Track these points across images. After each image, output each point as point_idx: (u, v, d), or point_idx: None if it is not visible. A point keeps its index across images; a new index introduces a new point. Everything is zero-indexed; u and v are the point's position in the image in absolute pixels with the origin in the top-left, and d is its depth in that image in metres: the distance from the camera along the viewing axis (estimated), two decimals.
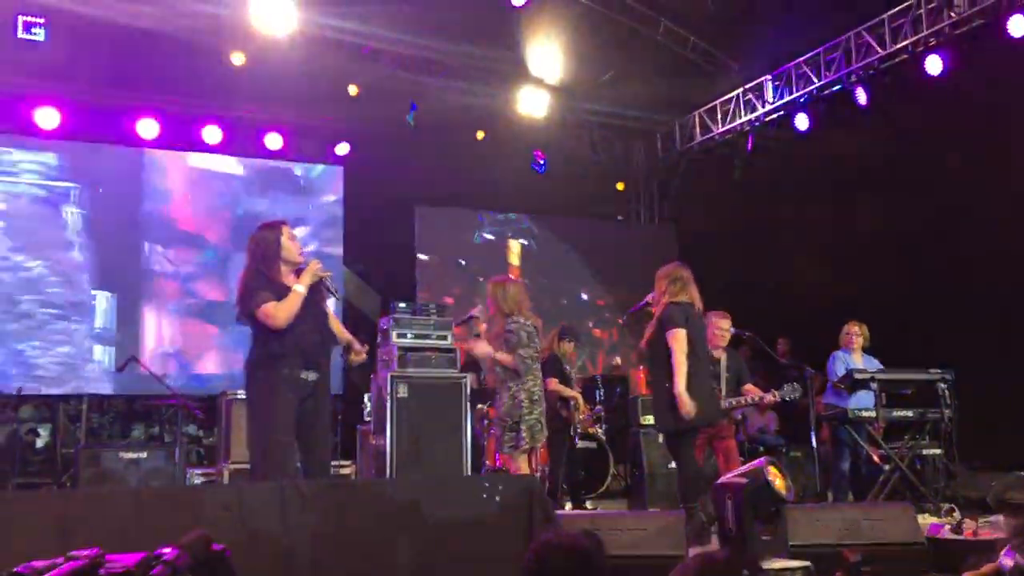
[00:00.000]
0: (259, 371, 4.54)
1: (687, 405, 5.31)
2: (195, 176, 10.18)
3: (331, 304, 4.94)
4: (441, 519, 3.65)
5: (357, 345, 4.91)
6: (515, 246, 11.44)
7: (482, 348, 6.14)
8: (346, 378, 9.21)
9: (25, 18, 8.31)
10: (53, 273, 9.37)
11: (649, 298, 5.98)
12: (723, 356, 6.75)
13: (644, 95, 10.53)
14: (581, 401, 7.84)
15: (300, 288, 4.55)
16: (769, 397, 6.69)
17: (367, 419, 7.73)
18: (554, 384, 7.51)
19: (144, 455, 7.23)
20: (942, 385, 6.89)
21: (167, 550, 2.17)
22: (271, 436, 4.43)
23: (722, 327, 6.71)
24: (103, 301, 9.54)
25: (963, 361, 7.32)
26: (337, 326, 4.96)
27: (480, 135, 10.73)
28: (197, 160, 10.22)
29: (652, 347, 5.73)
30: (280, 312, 4.47)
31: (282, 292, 4.56)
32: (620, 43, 9.73)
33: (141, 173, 9.90)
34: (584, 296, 11.67)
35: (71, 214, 9.58)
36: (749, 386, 6.75)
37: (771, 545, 4.05)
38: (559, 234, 11.62)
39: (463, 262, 10.98)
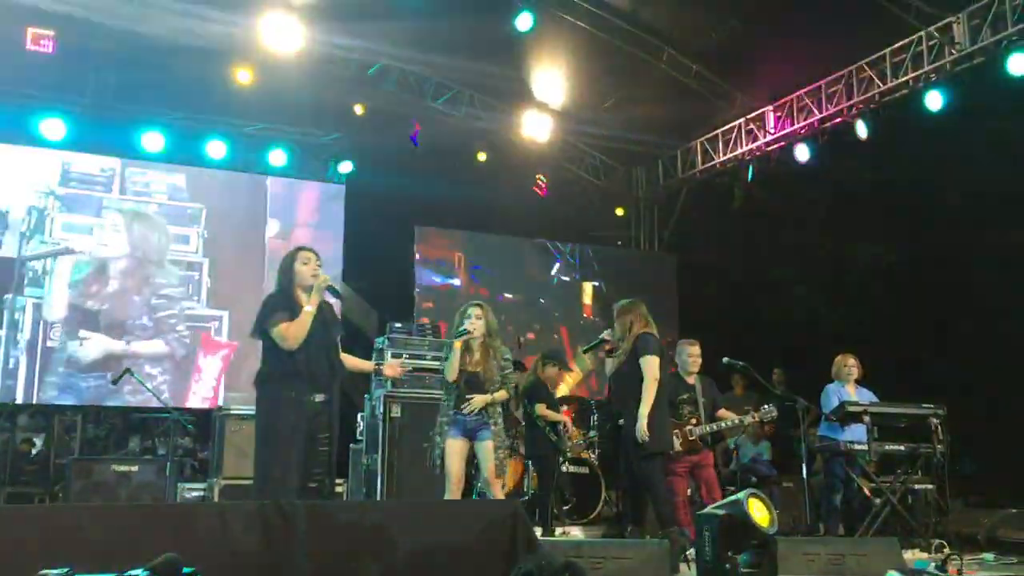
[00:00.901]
0: (268, 388, 4.72)
1: (644, 431, 5.69)
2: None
3: (336, 303, 5.18)
4: (423, 543, 3.65)
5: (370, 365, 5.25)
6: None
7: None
8: (340, 396, 9.21)
9: (34, 31, 8.39)
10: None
11: (606, 334, 6.28)
12: (696, 382, 6.80)
13: (647, 122, 10.59)
14: (570, 425, 7.84)
15: (309, 308, 4.75)
16: (748, 419, 6.77)
17: (360, 437, 7.74)
18: (542, 409, 7.51)
19: (135, 468, 7.24)
20: (935, 420, 6.87)
21: (137, 572, 2.18)
22: (273, 453, 4.57)
23: (693, 353, 6.80)
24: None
25: (959, 394, 7.33)
26: (351, 360, 5.19)
27: (482, 157, 10.79)
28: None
29: (622, 378, 6.02)
30: (291, 332, 4.67)
31: (292, 308, 4.76)
32: (624, 70, 9.79)
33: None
34: (580, 321, 11.69)
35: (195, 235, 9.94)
36: (723, 411, 6.81)
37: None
38: (558, 258, 11.65)
39: (457, 283, 11.02)
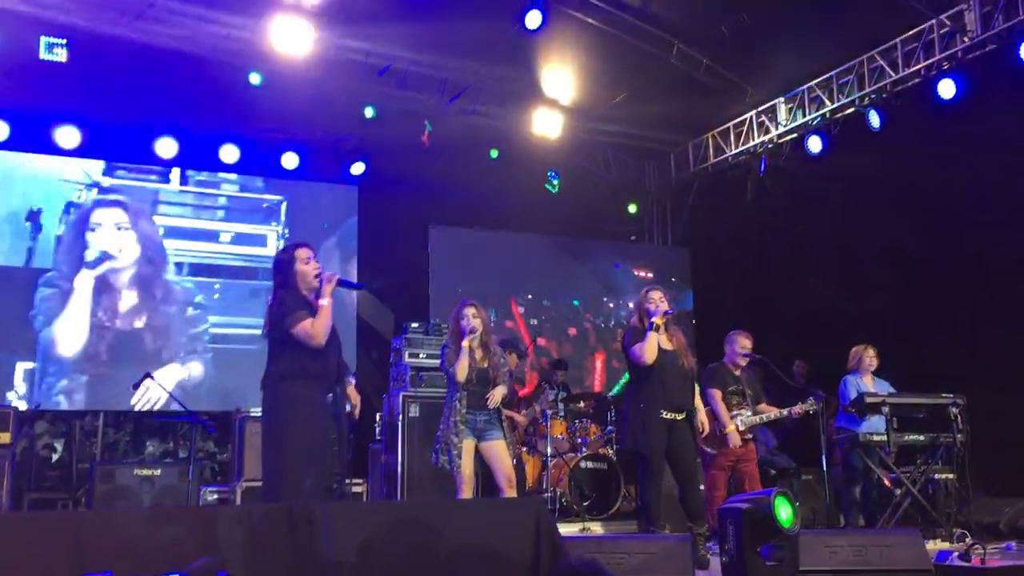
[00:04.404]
0: (283, 388, 4.59)
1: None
2: None
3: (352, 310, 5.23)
4: (448, 543, 3.68)
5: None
6: None
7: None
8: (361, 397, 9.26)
9: (47, 39, 8.45)
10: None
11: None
12: (740, 374, 6.83)
13: (657, 116, 10.57)
14: (517, 417, 7.99)
15: (325, 301, 4.66)
16: (797, 409, 6.77)
17: (379, 438, 7.79)
18: None
19: (158, 472, 7.30)
20: (954, 409, 6.87)
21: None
22: (291, 455, 4.48)
23: (745, 346, 6.81)
24: None
25: (978, 384, 7.31)
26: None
27: (494, 153, 10.80)
28: None
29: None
30: (318, 328, 4.59)
31: (310, 307, 4.67)
32: (634, 65, 9.78)
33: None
34: (595, 317, 11.70)
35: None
36: (763, 405, 6.83)
37: (779, 571, 4.07)
38: (572, 254, 11.65)
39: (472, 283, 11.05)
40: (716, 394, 6.67)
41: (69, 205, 9.48)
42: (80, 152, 9.50)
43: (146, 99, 9.24)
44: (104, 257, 9.46)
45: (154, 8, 8.26)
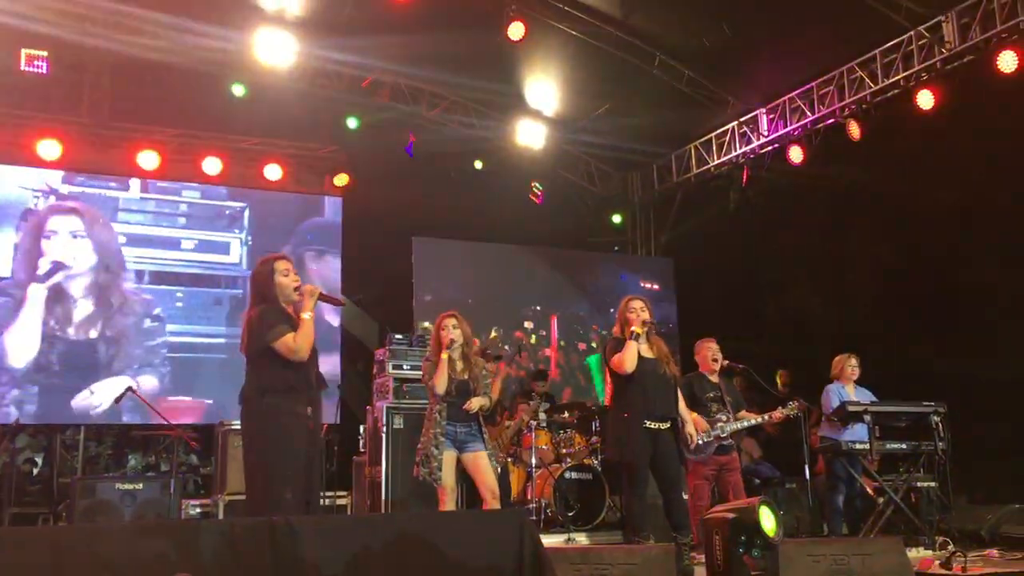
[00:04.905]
0: (265, 402, 4.54)
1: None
2: None
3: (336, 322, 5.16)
4: (432, 555, 3.66)
5: None
6: None
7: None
8: (342, 408, 9.23)
9: (28, 51, 8.42)
10: None
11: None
12: (718, 380, 6.84)
13: (640, 127, 10.62)
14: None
15: (307, 315, 4.62)
16: (777, 414, 6.78)
17: (363, 450, 7.76)
18: None
19: (140, 486, 7.24)
20: (935, 417, 6.91)
21: None
22: (277, 468, 4.45)
23: (712, 349, 6.83)
24: None
25: (958, 392, 7.35)
26: None
27: (479, 165, 10.82)
28: None
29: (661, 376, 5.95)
30: (301, 342, 4.55)
31: (296, 324, 4.62)
32: (616, 76, 9.83)
33: None
34: (580, 329, 11.70)
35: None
36: (744, 412, 6.84)
37: None
38: (556, 265, 11.66)
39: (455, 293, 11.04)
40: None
41: (26, 212, 9.34)
42: (61, 164, 9.43)
43: (128, 111, 9.22)
44: (58, 266, 9.30)
45: (136, 20, 8.24)
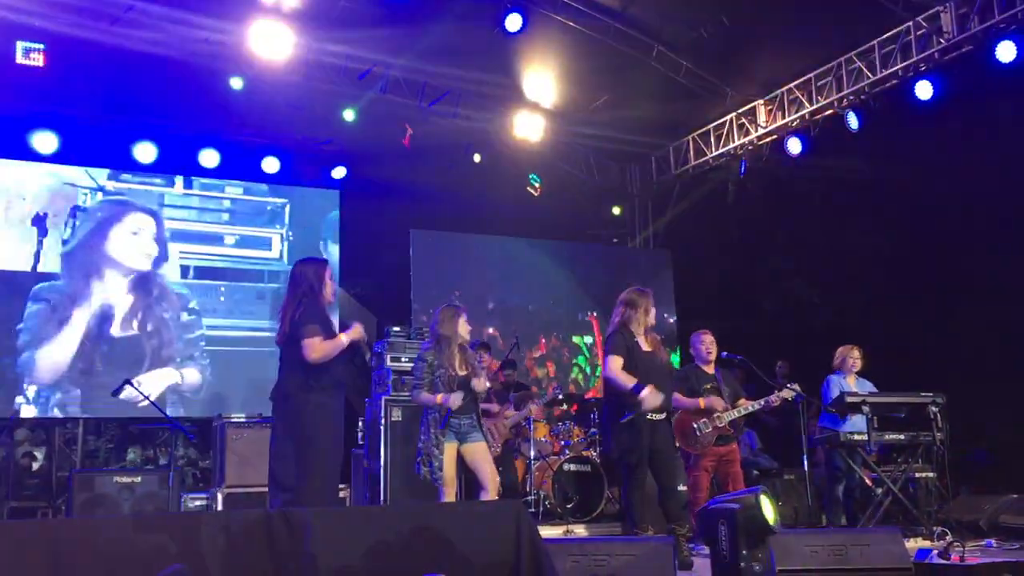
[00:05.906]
0: (315, 398, 4.86)
1: None
2: None
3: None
4: (430, 546, 3.67)
5: None
6: None
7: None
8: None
9: (24, 43, 8.38)
10: None
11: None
12: (714, 371, 6.83)
13: (639, 119, 10.60)
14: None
15: (344, 339, 4.97)
16: (774, 398, 6.75)
17: (361, 443, 7.76)
18: None
19: (138, 479, 7.24)
20: (933, 408, 6.90)
21: None
22: (334, 464, 4.90)
23: (706, 341, 6.83)
24: None
25: (960, 383, 7.36)
26: None
27: (477, 158, 10.80)
28: None
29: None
30: (323, 349, 4.85)
31: (327, 326, 4.99)
32: (615, 68, 9.79)
33: None
34: (580, 319, 11.70)
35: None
36: (742, 400, 6.82)
37: (759, 571, 4.08)
38: (555, 257, 11.65)
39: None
40: (679, 396, 6.65)
41: (75, 209, 9.40)
42: (58, 158, 9.41)
43: (125, 104, 9.19)
44: (113, 262, 9.41)
45: (132, 12, 8.20)
